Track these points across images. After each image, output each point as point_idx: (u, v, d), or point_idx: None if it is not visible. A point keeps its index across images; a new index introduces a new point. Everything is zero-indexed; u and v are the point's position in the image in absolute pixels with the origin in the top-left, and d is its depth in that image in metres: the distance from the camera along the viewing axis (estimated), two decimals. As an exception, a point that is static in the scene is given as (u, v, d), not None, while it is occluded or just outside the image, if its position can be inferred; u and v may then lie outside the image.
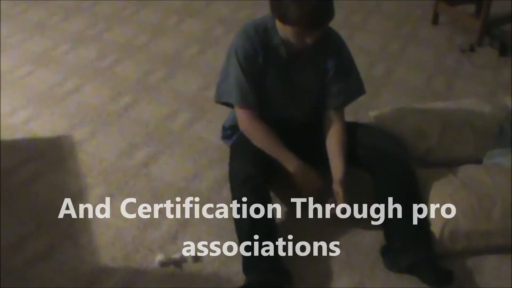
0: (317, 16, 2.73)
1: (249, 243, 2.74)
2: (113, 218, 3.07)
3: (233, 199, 2.90)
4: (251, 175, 2.86)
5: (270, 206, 2.87)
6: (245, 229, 2.79)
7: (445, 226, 2.87)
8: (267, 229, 2.80)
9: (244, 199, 2.82)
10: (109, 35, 4.95)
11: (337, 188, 2.92)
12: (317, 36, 2.82)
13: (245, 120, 3.03)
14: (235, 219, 2.86)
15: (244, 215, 2.80)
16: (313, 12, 2.70)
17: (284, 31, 2.86)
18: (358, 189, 3.16)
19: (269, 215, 2.84)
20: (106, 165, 3.43)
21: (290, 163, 2.97)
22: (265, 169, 2.93)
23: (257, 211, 2.79)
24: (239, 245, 2.80)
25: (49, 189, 3.26)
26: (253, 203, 2.80)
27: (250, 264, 2.72)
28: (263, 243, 2.73)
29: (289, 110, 3.13)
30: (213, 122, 3.75)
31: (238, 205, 2.85)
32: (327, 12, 2.77)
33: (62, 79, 4.27)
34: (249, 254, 2.73)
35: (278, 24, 2.86)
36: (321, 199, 3.02)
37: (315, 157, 3.10)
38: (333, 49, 3.05)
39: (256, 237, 2.74)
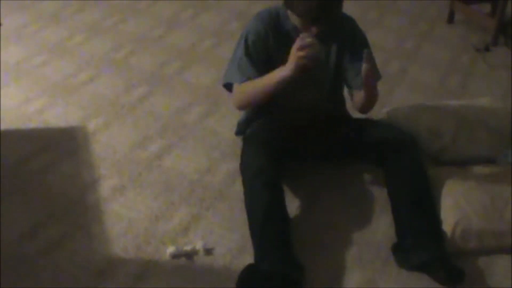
0: (321, 11, 2.74)
1: (261, 235, 2.75)
2: (126, 209, 3.08)
3: (245, 191, 2.91)
4: (264, 167, 2.86)
5: (282, 198, 2.88)
6: (257, 221, 2.79)
7: (457, 225, 2.86)
8: (280, 221, 2.80)
9: (257, 191, 2.83)
10: (124, 27, 4.95)
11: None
12: (323, 27, 2.83)
13: (237, 95, 3.06)
14: (248, 211, 2.87)
15: (257, 207, 2.81)
16: (317, 7, 2.71)
17: (292, 18, 2.88)
18: (370, 186, 3.18)
19: (282, 207, 2.85)
20: (119, 156, 3.44)
21: (280, 73, 2.87)
22: (278, 161, 2.92)
23: (269, 203, 2.80)
24: (251, 237, 2.80)
25: (62, 179, 3.27)
26: (265, 195, 2.81)
27: (262, 255, 2.72)
28: (276, 235, 2.75)
29: (303, 96, 3.12)
30: (226, 116, 3.75)
31: (251, 197, 2.86)
32: (332, 7, 2.78)
33: (77, 70, 4.28)
34: (261, 246, 2.74)
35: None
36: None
37: (328, 147, 3.12)
38: (347, 33, 3.07)
39: (268, 228, 2.75)
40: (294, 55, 2.76)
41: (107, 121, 3.73)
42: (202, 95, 4.04)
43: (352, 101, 3.17)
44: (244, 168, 2.95)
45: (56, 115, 3.76)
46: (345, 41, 3.05)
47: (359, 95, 3.02)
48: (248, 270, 2.67)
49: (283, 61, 2.94)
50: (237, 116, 3.40)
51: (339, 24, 3.03)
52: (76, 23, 4.97)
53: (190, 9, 5.30)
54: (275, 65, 2.97)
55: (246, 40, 2.99)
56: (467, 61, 4.68)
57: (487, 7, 5.22)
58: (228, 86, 3.15)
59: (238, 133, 3.40)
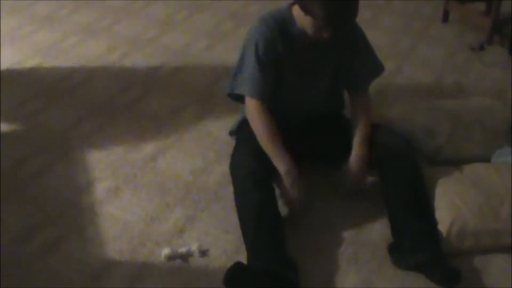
0: (341, 17, 2.71)
1: (254, 234, 2.75)
2: (120, 211, 3.07)
3: (236, 191, 2.91)
4: (253, 167, 2.85)
5: (274, 197, 2.87)
6: (249, 220, 2.78)
7: (453, 225, 2.85)
8: (272, 220, 2.79)
9: (247, 190, 2.82)
10: (119, 28, 4.95)
11: (344, 168, 2.99)
12: (337, 33, 2.81)
13: (253, 111, 2.99)
14: (239, 211, 2.86)
15: (248, 207, 2.80)
16: (337, 12, 2.68)
17: (303, 20, 2.83)
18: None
19: (274, 206, 2.84)
20: (114, 158, 3.43)
21: (283, 163, 2.92)
22: (268, 162, 2.91)
23: (261, 202, 2.79)
24: (243, 237, 2.79)
25: (57, 181, 3.26)
26: (256, 195, 2.80)
27: (255, 255, 2.71)
28: (269, 234, 2.74)
29: (304, 98, 3.12)
30: (221, 117, 3.74)
31: (242, 197, 2.86)
32: (352, 14, 2.74)
33: (71, 71, 4.27)
34: (254, 245, 2.74)
35: (297, 12, 2.85)
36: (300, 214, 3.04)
37: (325, 151, 3.12)
38: (349, 31, 3.04)
39: (261, 228, 2.74)
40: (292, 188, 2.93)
41: (101, 122, 3.72)
42: (196, 96, 4.03)
43: (350, 103, 3.17)
44: (234, 168, 2.94)
45: (51, 118, 3.76)
46: (345, 42, 3.04)
47: (357, 105, 3.14)
48: (238, 269, 2.65)
49: (290, 65, 2.98)
50: (231, 117, 3.39)
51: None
52: (70, 25, 4.97)
53: (184, 10, 5.30)
54: (282, 69, 2.99)
55: (256, 49, 2.93)
56: (462, 60, 4.68)
57: (481, 6, 5.22)
58: (233, 95, 3.12)
59: (232, 133, 3.38)
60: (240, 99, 3.10)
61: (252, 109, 3.00)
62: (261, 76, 2.94)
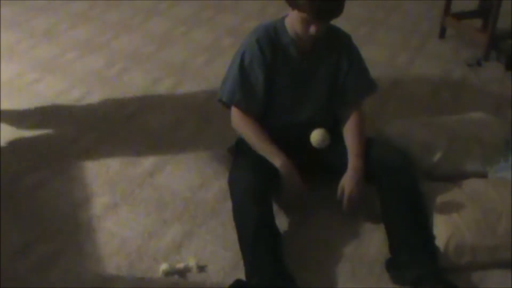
0: (326, 7, 2.75)
1: (252, 250, 2.74)
2: (118, 226, 3.07)
3: (234, 206, 2.90)
4: (252, 183, 2.85)
5: (272, 213, 2.87)
6: (247, 236, 2.78)
7: (450, 240, 2.85)
8: (270, 236, 2.79)
9: (245, 206, 2.82)
10: (117, 44, 4.96)
11: (342, 183, 2.99)
12: (322, 28, 2.84)
13: (236, 117, 3.09)
14: (237, 227, 2.85)
15: (246, 222, 2.80)
16: (323, 3, 2.72)
17: (292, 20, 2.89)
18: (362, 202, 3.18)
19: (272, 222, 2.84)
20: (111, 173, 3.43)
21: (277, 158, 2.97)
22: (266, 178, 2.92)
23: (259, 218, 2.79)
24: (242, 252, 2.79)
25: (54, 196, 3.26)
26: (254, 210, 2.80)
27: (253, 270, 2.70)
28: (267, 250, 2.73)
29: (299, 111, 3.13)
30: (219, 132, 3.75)
31: (240, 213, 2.86)
32: (337, 5, 2.79)
33: (70, 87, 4.28)
34: (252, 261, 2.73)
35: (289, 19, 2.92)
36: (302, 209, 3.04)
37: (323, 164, 3.12)
38: (343, 46, 3.10)
39: (259, 244, 2.74)
40: (289, 183, 2.97)
41: (99, 137, 3.73)
42: (194, 112, 4.04)
43: (340, 119, 3.18)
44: (233, 183, 2.95)
45: (49, 132, 3.76)
46: (341, 55, 3.08)
47: (349, 118, 3.14)
48: (237, 285, 2.66)
49: (282, 76, 3.01)
50: (229, 132, 3.38)
51: (335, 37, 3.08)
52: (69, 40, 4.98)
53: (182, 26, 5.31)
54: (274, 80, 3.02)
55: (242, 60, 3.00)
56: (459, 76, 4.69)
57: (478, 23, 5.24)
58: (224, 101, 3.15)
59: (231, 150, 3.39)
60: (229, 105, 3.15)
61: (235, 115, 3.09)
62: (242, 84, 3.01)
